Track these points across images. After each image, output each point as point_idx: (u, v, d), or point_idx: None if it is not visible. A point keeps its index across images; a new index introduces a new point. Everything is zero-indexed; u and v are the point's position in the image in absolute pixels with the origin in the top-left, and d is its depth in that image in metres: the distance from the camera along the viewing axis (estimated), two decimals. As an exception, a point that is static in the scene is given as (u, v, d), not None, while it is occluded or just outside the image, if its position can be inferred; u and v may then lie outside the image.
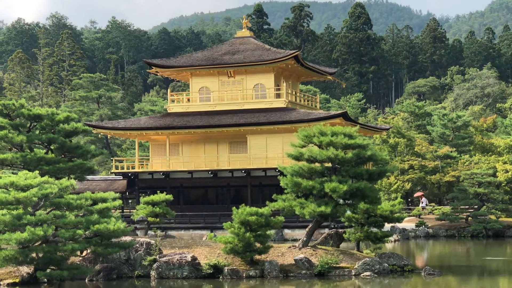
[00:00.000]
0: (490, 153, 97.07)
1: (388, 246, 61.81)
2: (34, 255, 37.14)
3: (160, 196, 52.25)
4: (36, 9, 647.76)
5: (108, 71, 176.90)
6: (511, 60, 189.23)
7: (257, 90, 71.03)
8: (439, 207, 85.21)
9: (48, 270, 37.44)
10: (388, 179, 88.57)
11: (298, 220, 62.73)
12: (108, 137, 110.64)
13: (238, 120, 68.15)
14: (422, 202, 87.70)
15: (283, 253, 43.48)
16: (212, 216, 68.82)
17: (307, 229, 45.42)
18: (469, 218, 76.92)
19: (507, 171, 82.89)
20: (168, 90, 77.18)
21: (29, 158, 47.91)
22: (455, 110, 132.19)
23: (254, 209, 42.51)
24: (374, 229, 46.00)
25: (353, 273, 41.44)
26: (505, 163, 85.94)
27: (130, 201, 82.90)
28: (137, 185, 71.87)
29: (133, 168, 73.25)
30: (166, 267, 41.15)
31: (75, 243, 37.15)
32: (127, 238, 41.51)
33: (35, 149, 50.06)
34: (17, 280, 38.76)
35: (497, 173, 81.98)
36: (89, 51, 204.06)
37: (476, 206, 77.20)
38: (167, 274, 41.06)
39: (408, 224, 77.94)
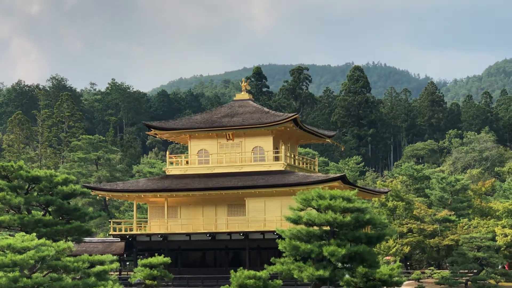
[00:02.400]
0: (489, 217, 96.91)
1: (387, 310, 61.21)
2: (30, 318, 36.76)
3: (158, 259, 52.01)
4: (36, 71, 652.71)
5: (107, 132, 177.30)
6: (508, 124, 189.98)
7: (255, 153, 71.09)
8: (439, 271, 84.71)
9: (44, 334, 37.02)
10: (387, 242, 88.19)
11: (297, 284, 62.26)
12: (107, 199, 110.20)
13: (236, 183, 68.08)
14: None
15: (281, 318, 43.08)
16: (210, 279, 68.33)
17: (305, 293, 45.13)
18: (469, 282, 76.45)
19: (506, 235, 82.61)
20: (167, 152, 77.28)
21: (26, 220, 47.80)
22: (454, 173, 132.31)
23: (252, 272, 42.26)
24: (373, 293, 45.67)
25: (352, 338, 41.01)
26: (504, 227, 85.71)
27: (128, 263, 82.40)
28: (135, 247, 71.50)
29: (131, 230, 72.97)
30: (163, 331, 40.75)
31: (71, 307, 36.83)
32: (124, 302, 41.15)
33: (32, 211, 49.98)
34: None
35: (496, 237, 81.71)
36: (88, 113, 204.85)
37: (476, 271, 76.78)
38: (164, 338, 40.65)
39: (407, 288, 77.37)
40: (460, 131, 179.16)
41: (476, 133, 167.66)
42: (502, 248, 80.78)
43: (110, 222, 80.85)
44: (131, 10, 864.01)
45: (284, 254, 44.59)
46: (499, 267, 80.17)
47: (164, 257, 52.38)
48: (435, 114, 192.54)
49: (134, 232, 72.05)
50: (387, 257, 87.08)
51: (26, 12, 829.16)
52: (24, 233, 38.78)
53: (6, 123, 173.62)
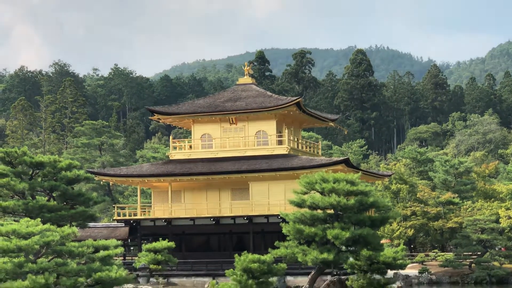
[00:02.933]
0: (492, 199, 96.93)
1: (391, 293, 61.34)
2: (35, 303, 36.87)
3: (162, 243, 52.13)
4: (39, 57, 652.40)
5: (110, 118, 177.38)
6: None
7: (259, 137, 71.11)
8: (442, 253, 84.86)
9: (49, 319, 37.14)
10: (391, 225, 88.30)
11: (301, 267, 62.32)
12: (110, 184, 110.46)
13: (240, 167, 68.15)
14: None
15: (285, 301, 43.25)
16: (214, 263, 68.48)
17: (309, 276, 45.23)
18: (473, 264, 76.57)
19: (510, 217, 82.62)
20: (170, 137, 77.26)
21: (31, 206, 47.89)
22: (457, 156, 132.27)
23: (256, 256, 42.35)
24: (377, 276, 45.81)
25: (356, 321, 41.14)
26: (507, 209, 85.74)
27: (132, 248, 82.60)
28: (139, 232, 71.64)
29: (135, 215, 73.10)
30: (168, 315, 40.90)
31: (76, 291, 36.92)
32: (129, 286, 41.31)
33: (37, 197, 50.09)
34: (18, 329, 38.43)
35: (500, 219, 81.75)
36: (91, 98, 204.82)
37: (480, 253, 76.87)
38: (169, 322, 40.80)
39: (411, 270, 77.56)
40: (463, 114, 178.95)
41: (479, 116, 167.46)
42: (506, 230, 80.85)
43: (114, 207, 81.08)
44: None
45: (288, 238, 44.68)
46: (496, 249, 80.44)
47: (168, 241, 52.46)
48: (438, 97, 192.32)
49: (138, 217, 72.19)
50: (386, 240, 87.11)
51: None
52: (28, 219, 38.86)
53: (9, 109, 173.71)
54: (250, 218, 68.25)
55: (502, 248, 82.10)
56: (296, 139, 73.31)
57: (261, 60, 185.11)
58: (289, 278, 65.84)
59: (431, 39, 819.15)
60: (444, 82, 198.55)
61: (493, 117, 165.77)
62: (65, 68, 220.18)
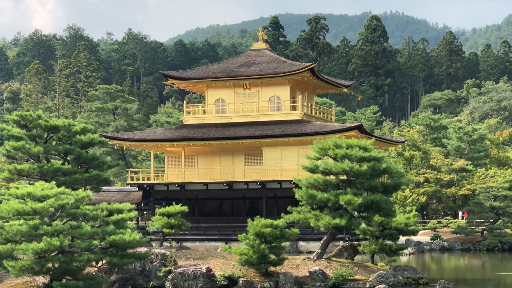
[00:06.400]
0: (506, 167, 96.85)
1: (403, 259, 61.74)
2: (50, 265, 37.25)
3: (175, 208, 52.34)
4: (53, 21, 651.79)
5: (124, 82, 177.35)
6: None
7: (272, 102, 71.18)
8: (455, 220, 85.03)
9: (64, 280, 37.52)
10: (403, 192, 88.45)
11: (313, 232, 62.77)
12: (124, 149, 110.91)
13: (253, 132, 68.29)
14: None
15: (297, 265, 43.54)
16: (227, 228, 68.95)
17: (321, 241, 45.48)
18: (485, 231, 76.71)
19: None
20: (184, 101, 77.39)
21: (45, 169, 48.16)
22: (471, 123, 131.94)
23: (269, 221, 42.58)
24: (389, 242, 46.04)
25: (368, 286, 41.43)
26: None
27: (145, 212, 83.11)
28: (152, 197, 72.08)
29: (148, 179, 73.49)
30: (181, 278, 41.25)
31: (91, 254, 37.27)
32: (143, 249, 41.63)
33: (51, 160, 50.34)
34: (33, 290, 38.90)
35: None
36: (105, 63, 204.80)
37: (492, 220, 76.97)
38: (182, 285, 41.15)
39: (423, 237, 77.78)
40: (478, 81, 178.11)
41: (494, 83, 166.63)
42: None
43: (127, 171, 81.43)
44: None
45: (300, 203, 44.86)
46: (459, 214, 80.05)
47: (181, 206, 52.68)
48: (453, 63, 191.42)
49: (151, 181, 72.58)
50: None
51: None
52: (43, 182, 39.12)
53: (23, 73, 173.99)
54: (263, 183, 68.50)
55: (464, 214, 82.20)
56: (309, 105, 73.34)
57: (275, 25, 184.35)
58: (301, 243, 66.27)
59: (446, 5, 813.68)
60: (459, 49, 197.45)
61: (508, 84, 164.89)
62: (79, 32, 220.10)
